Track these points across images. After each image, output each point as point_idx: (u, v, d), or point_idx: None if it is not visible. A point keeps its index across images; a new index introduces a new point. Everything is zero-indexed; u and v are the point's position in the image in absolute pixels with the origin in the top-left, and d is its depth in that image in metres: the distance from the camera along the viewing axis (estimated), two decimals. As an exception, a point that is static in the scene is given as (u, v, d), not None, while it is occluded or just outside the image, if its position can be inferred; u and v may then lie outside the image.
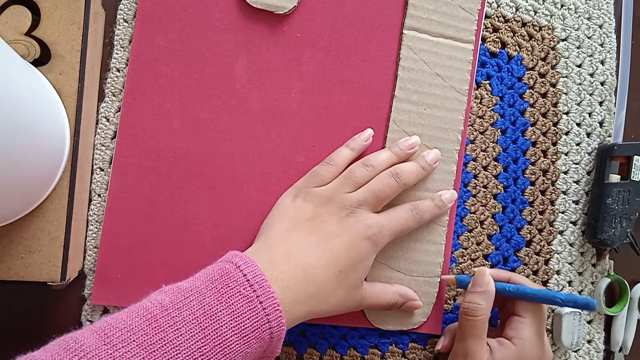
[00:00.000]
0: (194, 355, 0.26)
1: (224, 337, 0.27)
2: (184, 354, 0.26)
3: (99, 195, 0.38)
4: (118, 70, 0.39)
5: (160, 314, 0.26)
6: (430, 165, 0.37)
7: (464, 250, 0.40)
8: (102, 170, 0.38)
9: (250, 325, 0.28)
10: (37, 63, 0.35)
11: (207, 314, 0.27)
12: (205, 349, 0.26)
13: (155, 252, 0.37)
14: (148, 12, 0.38)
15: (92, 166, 0.39)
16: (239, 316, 0.27)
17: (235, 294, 0.28)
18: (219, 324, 0.27)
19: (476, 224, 0.40)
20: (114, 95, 0.39)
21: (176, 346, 0.26)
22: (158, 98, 0.38)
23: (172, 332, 0.26)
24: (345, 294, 0.33)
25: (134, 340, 0.25)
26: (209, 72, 0.38)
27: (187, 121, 0.38)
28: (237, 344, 0.27)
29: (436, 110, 0.38)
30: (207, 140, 0.38)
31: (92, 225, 0.38)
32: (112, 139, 0.39)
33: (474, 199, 0.40)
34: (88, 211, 0.38)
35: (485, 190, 0.40)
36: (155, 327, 0.26)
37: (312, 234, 0.33)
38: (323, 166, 0.37)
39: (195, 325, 0.26)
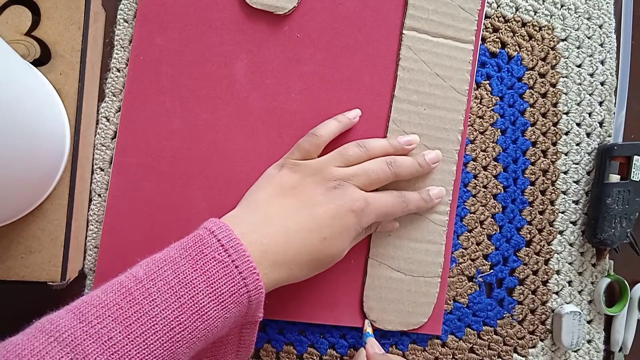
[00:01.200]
0: (172, 324, 0.26)
1: (201, 304, 0.26)
2: (161, 324, 0.25)
3: (99, 195, 0.38)
4: (118, 70, 0.39)
5: (134, 286, 0.26)
6: (429, 164, 0.37)
7: (464, 250, 0.40)
8: (102, 170, 0.39)
9: (227, 290, 0.27)
10: (37, 63, 0.36)
11: (182, 283, 0.27)
12: (182, 318, 0.26)
13: (155, 252, 0.37)
14: (148, 12, 0.38)
15: (92, 166, 0.39)
16: (214, 282, 0.27)
17: (210, 260, 0.28)
18: (194, 291, 0.27)
19: (476, 224, 0.40)
20: (114, 95, 0.39)
21: (152, 317, 0.25)
22: (158, 98, 0.38)
23: (147, 303, 0.26)
24: (326, 261, 0.33)
25: (109, 316, 0.25)
26: (209, 72, 0.38)
27: (187, 121, 0.38)
28: (215, 310, 0.27)
29: (436, 110, 0.38)
30: (207, 140, 0.38)
31: (92, 225, 0.38)
32: (112, 139, 0.39)
33: (474, 199, 0.40)
34: (88, 211, 0.38)
35: (485, 190, 0.40)
36: (130, 301, 0.26)
37: (296, 200, 0.33)
38: (308, 138, 0.36)
39: (171, 295, 0.26)
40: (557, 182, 0.41)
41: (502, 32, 0.41)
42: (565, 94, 0.41)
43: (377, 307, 0.38)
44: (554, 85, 0.41)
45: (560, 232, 0.41)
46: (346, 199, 0.33)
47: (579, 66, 0.42)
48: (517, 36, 0.41)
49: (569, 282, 0.41)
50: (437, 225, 0.38)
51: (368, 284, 0.38)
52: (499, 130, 0.41)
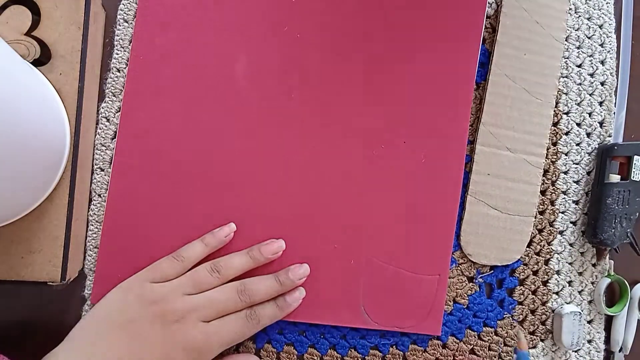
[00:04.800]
0: None
1: None
2: None
3: (99, 195, 0.38)
4: (118, 71, 0.39)
5: None
6: (292, 280, 0.35)
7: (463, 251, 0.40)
8: (102, 170, 0.38)
9: None
10: (37, 63, 0.36)
11: None
12: None
13: (155, 252, 0.37)
14: (148, 12, 0.38)
15: (92, 166, 0.39)
16: None
17: None
18: None
19: (476, 224, 0.40)
20: (114, 95, 0.39)
21: None
22: (158, 98, 0.38)
23: None
24: None
25: None
26: (209, 72, 0.38)
27: (187, 121, 0.38)
28: None
29: (536, 56, 0.39)
30: (207, 141, 0.38)
31: (92, 225, 0.38)
32: (112, 139, 0.39)
33: (474, 199, 0.40)
34: (88, 211, 0.38)
35: (485, 190, 0.40)
36: None
37: (129, 338, 0.31)
38: (169, 260, 0.35)
39: None
40: (557, 182, 0.41)
41: (502, 32, 0.41)
42: (566, 94, 0.41)
43: (474, 242, 0.39)
44: (554, 85, 0.41)
45: (561, 232, 0.41)
46: (182, 337, 0.31)
47: (579, 66, 0.42)
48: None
49: (569, 282, 0.41)
50: (534, 166, 0.39)
51: (466, 220, 0.39)
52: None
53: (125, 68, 0.39)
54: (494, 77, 0.39)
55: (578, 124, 0.41)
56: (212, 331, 0.32)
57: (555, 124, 0.41)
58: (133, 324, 0.32)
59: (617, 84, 0.42)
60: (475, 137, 0.39)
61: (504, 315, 0.40)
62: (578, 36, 0.42)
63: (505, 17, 0.39)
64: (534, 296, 0.40)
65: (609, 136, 0.42)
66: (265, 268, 0.37)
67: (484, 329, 0.40)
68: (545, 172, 0.41)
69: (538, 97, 0.39)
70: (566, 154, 0.41)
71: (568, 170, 0.41)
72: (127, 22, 0.39)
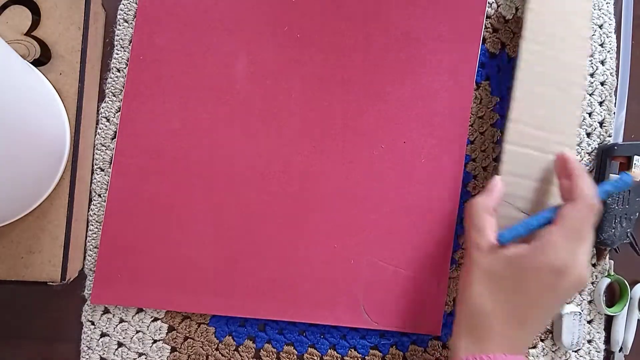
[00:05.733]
0: None
1: None
2: None
3: (99, 195, 0.38)
4: (118, 71, 0.39)
5: None
6: None
7: (464, 251, 0.40)
8: (102, 170, 0.38)
9: None
10: (38, 63, 0.36)
11: None
12: None
13: (155, 252, 0.37)
14: (148, 12, 0.38)
15: (92, 166, 0.39)
16: None
17: None
18: None
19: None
20: (114, 96, 0.39)
21: None
22: (158, 98, 0.38)
23: None
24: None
25: None
26: (209, 72, 0.38)
27: (187, 121, 0.38)
28: None
29: (563, 54, 0.37)
30: (207, 140, 0.38)
31: (92, 225, 0.38)
32: (112, 139, 0.39)
33: (474, 199, 0.40)
34: (88, 211, 0.38)
35: (485, 190, 0.40)
36: None
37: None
38: None
39: None
40: (557, 182, 0.41)
41: (502, 33, 0.41)
42: (566, 94, 0.41)
43: None
44: (554, 85, 0.41)
45: (561, 232, 0.41)
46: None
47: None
48: (518, 36, 0.41)
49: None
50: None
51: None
52: (499, 130, 0.41)
53: (125, 68, 0.39)
54: (520, 74, 0.37)
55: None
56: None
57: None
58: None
59: (617, 84, 0.42)
60: (504, 136, 0.37)
61: (504, 315, 0.40)
62: (578, 36, 0.41)
63: (532, 13, 0.37)
64: (534, 296, 0.40)
65: (609, 136, 0.42)
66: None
67: (484, 329, 0.40)
68: (545, 172, 0.41)
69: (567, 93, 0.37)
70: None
71: (568, 170, 0.41)
72: (127, 22, 0.39)
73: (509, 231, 0.33)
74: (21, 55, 0.34)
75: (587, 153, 0.41)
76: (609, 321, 0.41)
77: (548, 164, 0.36)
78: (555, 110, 0.37)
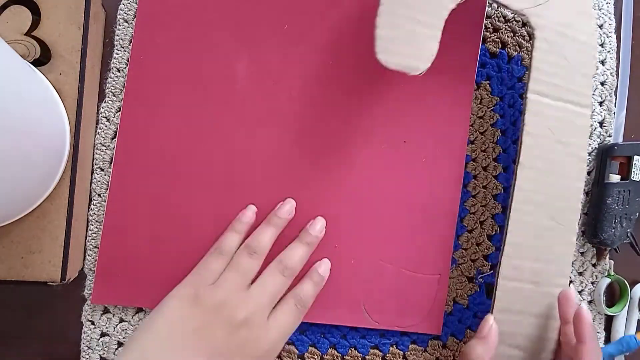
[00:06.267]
0: None
1: None
2: None
3: (99, 195, 0.38)
4: (118, 70, 0.39)
5: None
6: (317, 237, 0.37)
7: (464, 251, 0.40)
8: (102, 170, 0.38)
9: None
10: (38, 63, 0.36)
11: None
12: None
13: (156, 252, 0.37)
14: (148, 12, 0.38)
15: (93, 166, 0.39)
16: None
17: None
18: None
19: (476, 225, 0.40)
20: (114, 95, 0.39)
21: None
22: (158, 98, 0.38)
23: None
24: None
25: None
26: (209, 72, 0.38)
27: (187, 121, 0.38)
28: None
29: (560, 178, 0.37)
30: (207, 140, 0.38)
31: (92, 225, 0.38)
32: (112, 138, 0.39)
33: (473, 199, 0.40)
34: (88, 211, 0.38)
35: (485, 190, 0.40)
36: None
37: (196, 349, 0.31)
38: (213, 257, 0.35)
39: None
40: (558, 182, 0.41)
41: (502, 32, 0.41)
42: (566, 94, 0.41)
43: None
44: (554, 86, 0.41)
45: (561, 232, 0.41)
46: (252, 345, 0.32)
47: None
48: (518, 36, 0.41)
49: (569, 282, 0.41)
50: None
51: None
52: (499, 130, 0.41)
53: (125, 68, 0.39)
54: (516, 205, 0.36)
55: (578, 124, 0.41)
56: (275, 336, 0.33)
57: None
58: (201, 332, 0.31)
59: (617, 84, 0.42)
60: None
61: (504, 315, 0.40)
62: (578, 36, 0.41)
63: (528, 136, 0.36)
64: (534, 296, 0.40)
65: (609, 136, 0.42)
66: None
67: (484, 329, 0.40)
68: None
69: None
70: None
71: (568, 170, 0.41)
72: (127, 22, 0.39)
73: None
74: (21, 55, 0.34)
75: (587, 153, 0.41)
76: (609, 321, 0.42)
77: (543, 296, 0.36)
78: (551, 240, 0.36)
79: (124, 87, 0.38)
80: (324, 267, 0.37)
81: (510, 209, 0.36)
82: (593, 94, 0.42)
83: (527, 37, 0.41)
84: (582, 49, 0.37)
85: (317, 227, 0.37)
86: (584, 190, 0.41)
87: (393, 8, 0.34)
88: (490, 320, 0.35)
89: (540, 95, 0.36)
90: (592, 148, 0.41)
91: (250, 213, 0.37)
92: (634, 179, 0.39)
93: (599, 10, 0.42)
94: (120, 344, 0.38)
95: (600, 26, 0.42)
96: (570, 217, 0.37)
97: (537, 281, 0.36)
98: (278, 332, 0.34)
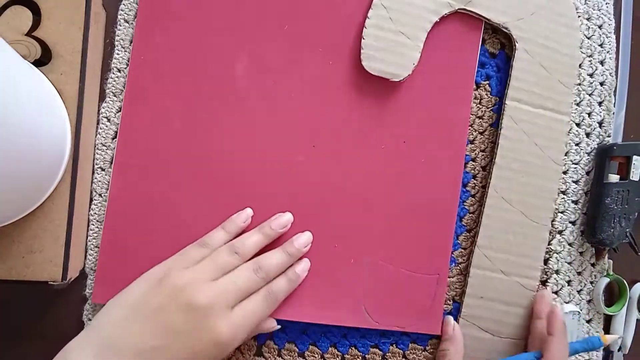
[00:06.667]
0: None
1: None
2: None
3: (100, 195, 0.38)
4: (119, 71, 0.39)
5: None
6: (299, 250, 0.36)
7: (463, 250, 0.40)
8: (103, 170, 0.39)
9: None
10: (38, 63, 0.36)
11: None
12: None
13: (156, 252, 0.37)
14: (149, 12, 0.38)
15: (93, 166, 0.39)
16: None
17: None
18: None
19: (476, 224, 0.40)
20: (114, 96, 0.39)
21: None
22: (159, 98, 0.38)
23: None
24: None
25: None
26: (210, 72, 0.38)
27: (188, 121, 0.38)
28: None
29: (534, 178, 0.39)
30: (207, 140, 0.38)
31: (93, 224, 0.38)
32: (112, 138, 0.39)
33: (473, 199, 0.40)
34: (89, 211, 0.38)
35: (484, 190, 0.40)
36: None
37: (155, 328, 0.31)
38: (195, 247, 0.35)
39: None
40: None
41: (502, 33, 0.41)
42: (565, 94, 0.41)
43: None
44: (553, 86, 0.41)
45: (560, 232, 0.41)
46: (210, 332, 0.31)
47: (579, 66, 0.42)
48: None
49: (568, 282, 0.41)
50: (528, 290, 0.39)
51: None
52: (498, 130, 0.41)
53: (125, 68, 0.39)
54: (490, 201, 0.39)
55: (577, 124, 0.41)
56: (238, 322, 0.32)
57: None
58: (161, 312, 0.31)
59: (617, 84, 0.42)
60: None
61: (504, 315, 0.40)
62: (578, 36, 0.42)
63: (505, 139, 0.39)
64: (533, 296, 0.41)
65: (608, 136, 0.42)
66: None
67: (483, 328, 0.40)
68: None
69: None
70: (565, 154, 0.41)
71: (567, 170, 0.41)
72: (127, 22, 0.39)
73: None
74: (22, 56, 0.34)
75: (587, 153, 0.41)
76: (607, 321, 0.42)
77: (513, 286, 0.39)
78: (523, 236, 0.39)
79: (124, 87, 0.38)
80: (301, 266, 0.37)
81: (484, 204, 0.39)
82: (592, 94, 0.42)
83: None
84: (563, 60, 0.40)
85: (302, 240, 0.37)
86: (584, 190, 0.41)
87: (379, 22, 0.37)
88: (450, 320, 0.38)
89: (520, 102, 0.39)
90: (591, 148, 0.42)
91: (244, 216, 0.37)
92: (632, 179, 0.39)
93: (599, 10, 0.42)
94: (121, 343, 0.38)
95: (600, 26, 0.42)
96: (543, 215, 0.39)
97: (507, 271, 0.39)
98: (242, 319, 0.32)
